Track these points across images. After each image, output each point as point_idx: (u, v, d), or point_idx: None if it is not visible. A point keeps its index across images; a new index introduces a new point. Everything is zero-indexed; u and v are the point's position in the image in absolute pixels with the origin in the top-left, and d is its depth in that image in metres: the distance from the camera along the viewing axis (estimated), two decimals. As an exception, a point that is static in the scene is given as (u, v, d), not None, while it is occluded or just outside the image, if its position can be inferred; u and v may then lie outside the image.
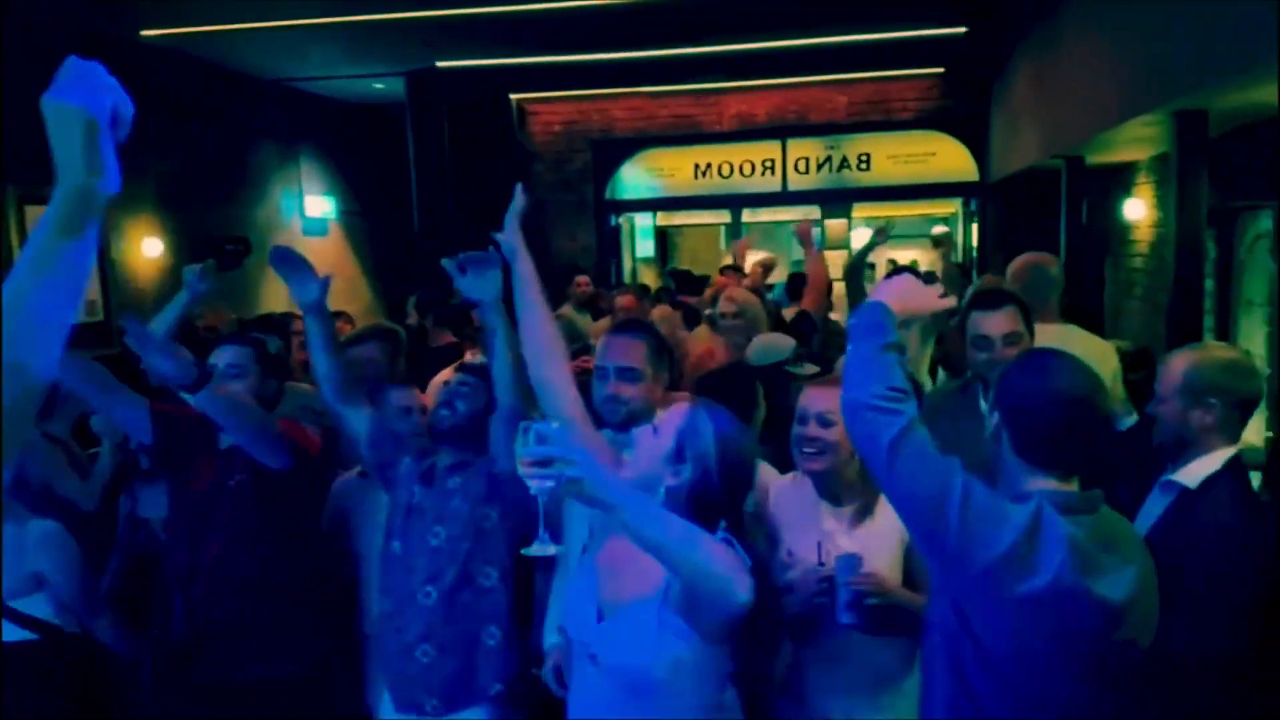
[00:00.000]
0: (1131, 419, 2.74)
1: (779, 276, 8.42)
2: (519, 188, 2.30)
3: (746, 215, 11.15)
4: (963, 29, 7.81)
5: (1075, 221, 6.76)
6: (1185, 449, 2.25)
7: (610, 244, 10.92)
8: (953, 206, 11.68)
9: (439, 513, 2.55)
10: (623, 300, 6.39)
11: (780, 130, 10.23)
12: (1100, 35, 5.35)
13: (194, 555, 2.72)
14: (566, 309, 6.07)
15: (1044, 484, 1.71)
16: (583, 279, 6.81)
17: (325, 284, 2.66)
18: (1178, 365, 2.27)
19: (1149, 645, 1.74)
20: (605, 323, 5.86)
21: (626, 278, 11.18)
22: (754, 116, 10.18)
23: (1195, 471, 2.22)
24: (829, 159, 10.35)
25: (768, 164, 10.43)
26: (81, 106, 1.10)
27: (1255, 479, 3.34)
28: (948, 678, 1.77)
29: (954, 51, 8.80)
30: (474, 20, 7.04)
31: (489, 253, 2.37)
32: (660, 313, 5.42)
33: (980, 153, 9.88)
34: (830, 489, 2.29)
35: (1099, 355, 3.25)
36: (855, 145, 10.29)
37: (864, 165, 10.32)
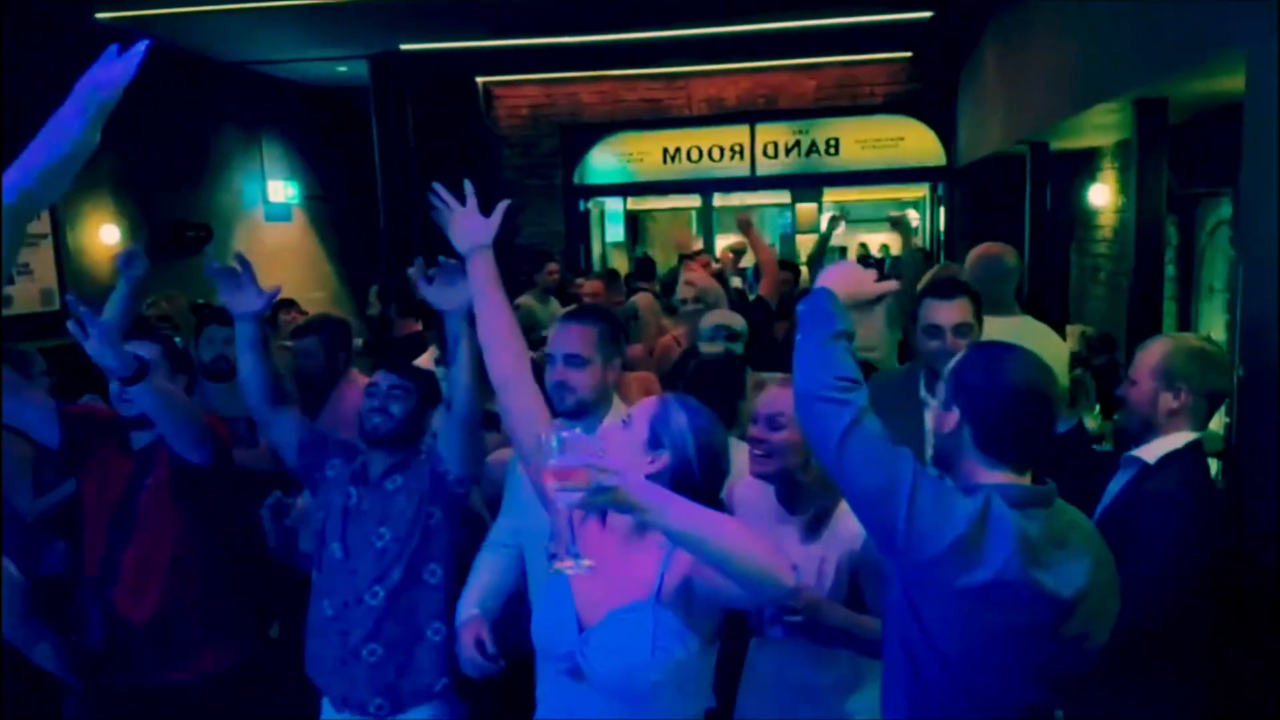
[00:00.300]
0: (1071, 422, 2.77)
1: (751, 260, 8.43)
2: (503, 205, 2.24)
3: (718, 200, 11.15)
4: (929, 13, 7.81)
5: (1040, 207, 6.81)
6: (1150, 432, 2.34)
7: (579, 229, 10.87)
8: (921, 191, 11.74)
9: (382, 514, 2.53)
10: (590, 286, 6.37)
11: (749, 115, 10.20)
12: (1063, 22, 5.37)
13: (110, 559, 2.66)
14: (526, 298, 6.04)
15: (1000, 476, 1.72)
16: (554, 266, 6.79)
17: (271, 297, 2.58)
18: (1155, 349, 2.37)
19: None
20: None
21: (596, 263, 11.14)
22: (722, 101, 10.14)
23: (1156, 449, 2.32)
24: (797, 143, 10.35)
25: (736, 148, 10.42)
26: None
27: (1215, 467, 3.40)
28: (904, 669, 1.79)
29: (921, 36, 8.80)
30: (439, 2, 6.95)
31: (458, 264, 2.34)
32: (644, 300, 5.40)
33: (948, 138, 9.92)
34: (785, 493, 2.27)
35: (1052, 350, 3.30)
36: (824, 130, 10.29)
37: (833, 150, 10.33)
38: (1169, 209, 5.71)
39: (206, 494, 2.73)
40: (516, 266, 6.62)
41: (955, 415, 1.75)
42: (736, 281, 6.39)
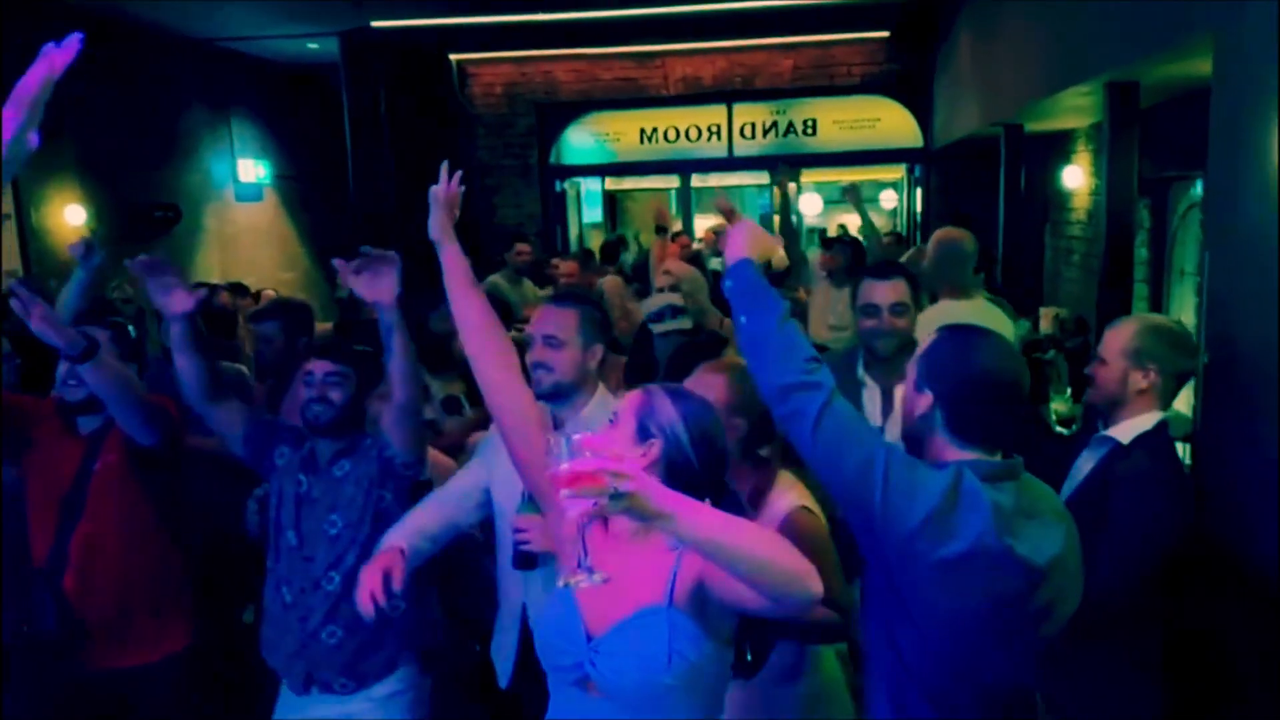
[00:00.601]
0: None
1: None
2: (457, 173, 2.13)
3: (696, 180, 11.09)
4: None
5: (1014, 189, 6.80)
6: (1118, 410, 2.40)
7: (556, 210, 10.79)
8: (898, 172, 11.71)
9: (332, 501, 2.54)
10: (566, 267, 6.32)
11: (726, 95, 10.14)
12: (1036, 5, 5.34)
13: (58, 546, 2.65)
14: (496, 278, 5.98)
15: (970, 456, 1.75)
16: (524, 246, 6.72)
17: (199, 298, 2.59)
18: (1125, 329, 2.44)
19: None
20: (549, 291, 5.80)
21: (573, 244, 11.07)
22: (699, 80, 10.07)
23: (1128, 429, 2.36)
24: (775, 124, 10.30)
25: (714, 128, 10.36)
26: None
27: (1183, 450, 3.42)
28: (887, 656, 1.80)
29: (898, 15, 8.75)
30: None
31: (385, 254, 2.35)
32: (611, 284, 5.36)
33: (924, 118, 9.89)
34: None
35: (1003, 332, 3.44)
36: (801, 110, 10.24)
37: (810, 131, 10.29)
38: (1141, 192, 5.71)
39: (158, 476, 2.75)
40: (492, 247, 6.57)
41: (928, 398, 1.78)
42: (716, 263, 6.37)
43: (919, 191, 10.66)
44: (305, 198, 10.41)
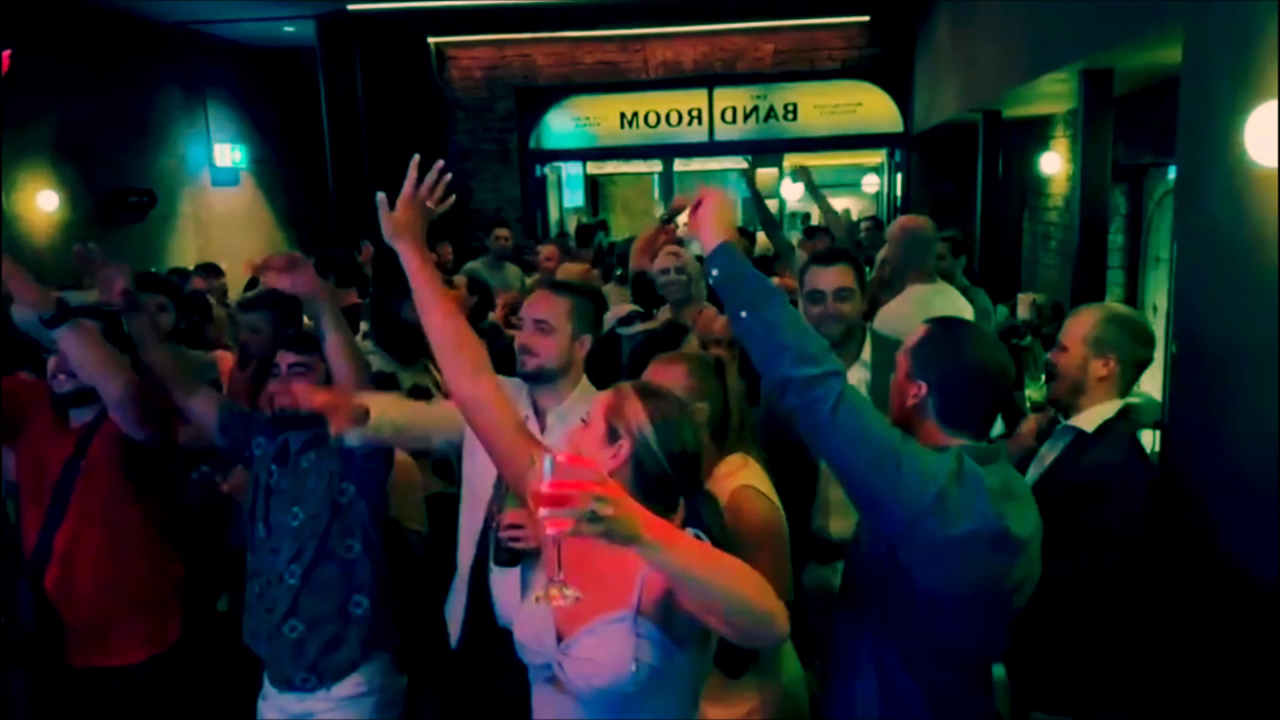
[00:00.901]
0: None
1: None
2: (435, 165, 2.08)
3: (679, 164, 11.06)
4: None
5: (992, 174, 6.81)
6: (1078, 397, 2.44)
7: (536, 194, 10.73)
8: (879, 157, 11.72)
9: (296, 493, 2.53)
10: (548, 251, 6.30)
11: (707, 79, 10.10)
12: (1014, -11, 5.32)
13: (44, 540, 2.63)
14: (475, 264, 5.95)
15: (960, 441, 1.85)
16: (503, 231, 6.70)
17: (131, 295, 2.58)
18: (1087, 317, 2.48)
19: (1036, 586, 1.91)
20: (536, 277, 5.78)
21: (553, 228, 11.03)
22: (680, 64, 10.02)
23: (1092, 418, 2.40)
24: (756, 109, 10.28)
25: (694, 113, 10.32)
26: None
27: (1154, 437, 3.46)
28: (874, 614, 1.89)
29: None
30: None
31: (293, 255, 2.43)
32: (568, 270, 5.30)
33: (905, 103, 9.89)
34: None
35: (963, 315, 3.59)
36: (782, 95, 10.22)
37: (791, 115, 10.27)
38: (1118, 178, 5.72)
39: (148, 472, 2.72)
40: (471, 233, 6.53)
41: (923, 387, 1.86)
42: (695, 247, 6.32)
43: (899, 176, 10.66)
44: (283, 182, 10.32)
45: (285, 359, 2.56)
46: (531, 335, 2.43)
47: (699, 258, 5.72)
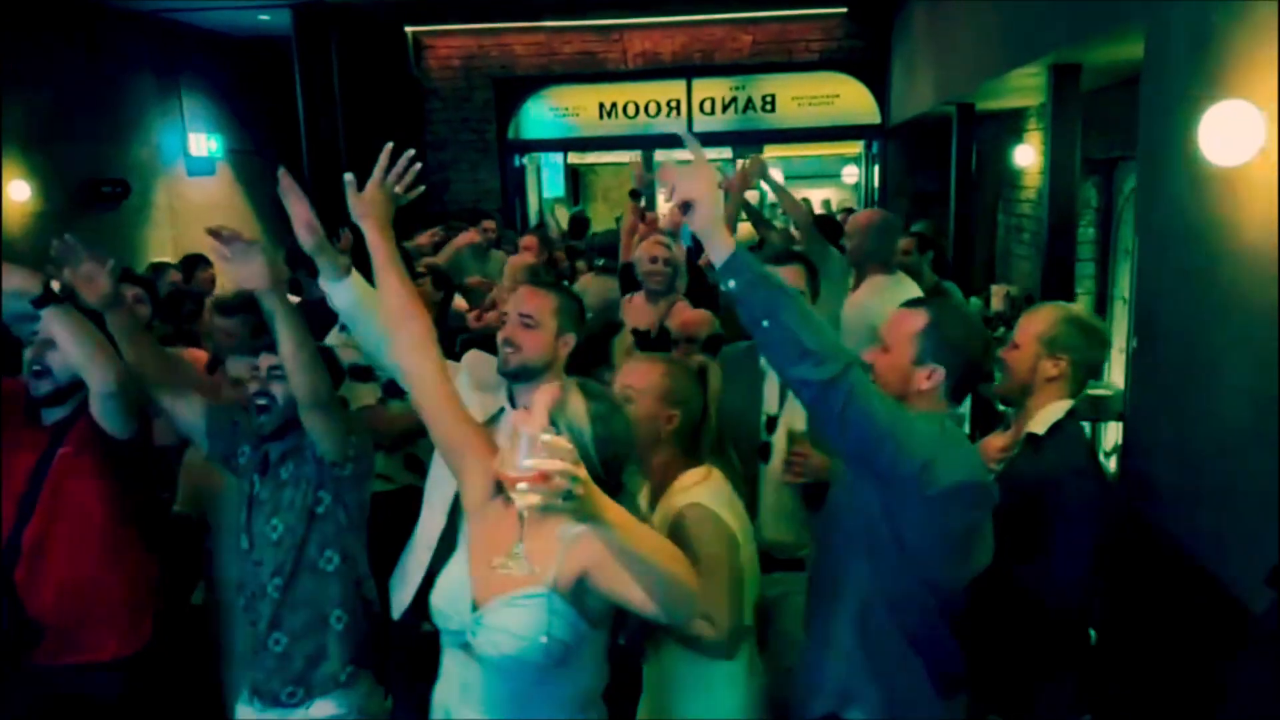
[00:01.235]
0: None
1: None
2: (405, 155, 2.15)
3: (660, 155, 11.05)
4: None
5: (965, 167, 6.86)
6: (1025, 396, 2.45)
7: (515, 185, 10.71)
8: (858, 148, 11.76)
9: (275, 504, 2.48)
10: (528, 241, 6.30)
11: (685, 70, 10.10)
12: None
13: (14, 538, 2.58)
14: (461, 252, 5.92)
15: (943, 408, 2.01)
16: (489, 223, 6.74)
17: (113, 290, 2.49)
18: (1042, 316, 2.47)
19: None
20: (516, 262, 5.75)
21: (532, 218, 11.01)
22: (658, 55, 10.02)
23: (1043, 419, 2.40)
24: (734, 99, 10.29)
25: (673, 103, 10.32)
26: None
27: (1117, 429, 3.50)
28: (860, 570, 1.98)
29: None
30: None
31: (249, 242, 2.30)
32: (521, 260, 5.24)
33: (882, 95, 9.92)
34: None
35: None
36: (760, 86, 10.23)
37: (769, 106, 10.29)
38: (1090, 172, 5.78)
39: (124, 471, 2.65)
40: (449, 224, 6.54)
41: (938, 371, 1.97)
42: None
43: (877, 168, 10.71)
44: (260, 172, 10.25)
45: (266, 361, 2.50)
46: (516, 330, 2.44)
47: (700, 261, 5.71)
